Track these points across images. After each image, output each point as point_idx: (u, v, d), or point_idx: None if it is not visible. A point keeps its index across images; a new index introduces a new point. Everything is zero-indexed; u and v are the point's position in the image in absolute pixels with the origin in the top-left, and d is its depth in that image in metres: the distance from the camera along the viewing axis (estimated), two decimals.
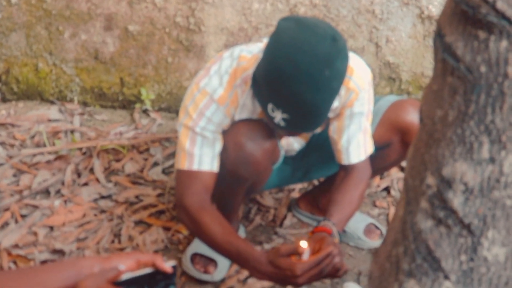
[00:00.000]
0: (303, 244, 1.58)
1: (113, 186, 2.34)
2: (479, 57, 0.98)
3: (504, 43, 0.96)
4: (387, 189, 2.44)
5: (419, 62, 2.77)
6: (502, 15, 0.94)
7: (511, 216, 1.07)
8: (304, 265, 1.56)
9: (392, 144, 2.00)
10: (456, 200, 1.07)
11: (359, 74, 1.78)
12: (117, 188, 2.34)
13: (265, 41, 1.82)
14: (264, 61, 1.60)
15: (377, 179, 2.44)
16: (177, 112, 2.82)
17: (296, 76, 1.53)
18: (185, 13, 2.64)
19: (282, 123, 1.62)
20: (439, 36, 1.04)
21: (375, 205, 2.38)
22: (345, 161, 1.88)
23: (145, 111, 2.80)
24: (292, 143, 1.98)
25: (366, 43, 2.71)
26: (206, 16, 2.64)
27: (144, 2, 2.62)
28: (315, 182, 2.40)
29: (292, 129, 1.65)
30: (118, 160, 2.48)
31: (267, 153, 1.78)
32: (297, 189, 2.41)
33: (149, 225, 2.19)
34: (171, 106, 2.82)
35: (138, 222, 2.19)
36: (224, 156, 1.77)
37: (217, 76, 1.73)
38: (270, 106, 1.61)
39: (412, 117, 1.93)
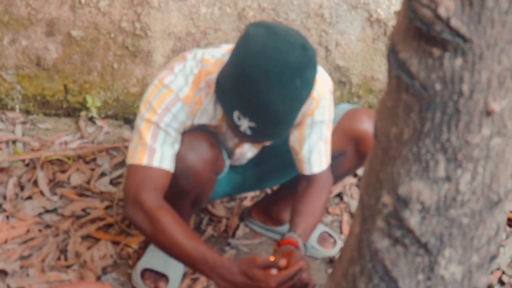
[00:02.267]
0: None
1: (58, 199, 2.26)
2: (434, 74, 0.96)
3: (458, 61, 0.94)
4: (340, 196, 2.43)
5: (369, 66, 2.77)
6: (456, 33, 0.92)
7: (468, 234, 1.06)
8: (279, 278, 1.52)
9: (346, 153, 1.99)
10: (413, 219, 1.06)
11: (320, 83, 1.76)
12: (62, 201, 2.25)
13: (224, 46, 1.77)
14: (232, 67, 1.55)
15: None
16: (124, 120, 2.75)
17: (267, 85, 1.49)
18: (131, 18, 2.57)
19: (249, 132, 1.57)
20: (393, 52, 1.02)
21: (328, 212, 2.36)
22: (307, 171, 1.86)
23: (91, 119, 2.72)
24: (246, 152, 1.94)
25: (315, 47, 2.69)
26: (152, 21, 2.58)
27: (87, 6, 2.54)
28: (268, 190, 2.38)
29: (258, 137, 1.60)
30: (63, 171, 2.40)
31: (208, 165, 1.73)
32: (249, 197, 2.37)
33: (97, 240, 2.12)
34: (118, 113, 2.74)
35: (86, 237, 2.12)
36: None
37: (182, 75, 1.68)
38: (236, 114, 1.56)
39: (366, 126, 1.92)
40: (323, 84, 1.78)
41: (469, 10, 0.92)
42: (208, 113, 1.72)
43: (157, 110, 1.66)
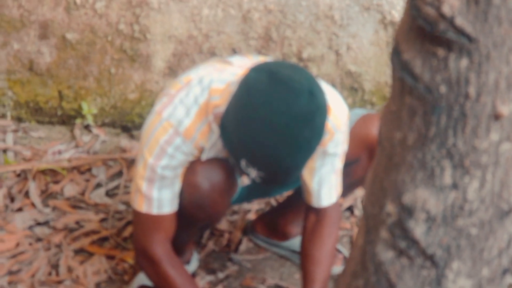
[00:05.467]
0: None
1: (50, 211, 2.29)
2: (439, 76, 0.98)
3: (464, 62, 0.96)
4: (350, 209, 2.45)
5: (383, 71, 2.79)
6: (461, 32, 0.94)
7: (477, 245, 1.07)
8: None
9: (359, 161, 2.01)
10: (418, 229, 1.07)
11: (336, 114, 1.76)
12: (55, 213, 2.28)
13: (236, 62, 1.78)
14: (235, 118, 1.57)
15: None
16: (122, 128, 2.78)
17: (274, 139, 1.52)
18: (129, 20, 2.61)
19: (258, 180, 1.62)
20: (396, 53, 1.04)
21: None
22: (315, 204, 1.88)
23: (86, 127, 2.75)
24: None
25: (325, 51, 2.71)
26: (152, 23, 2.61)
27: (83, 8, 2.58)
28: (273, 202, 2.39)
29: (268, 185, 1.66)
30: (56, 182, 2.43)
31: (225, 192, 1.77)
32: (254, 210, 2.39)
33: (90, 254, 2.14)
34: (115, 121, 2.78)
35: (79, 251, 2.15)
36: (180, 196, 1.76)
37: (183, 106, 1.69)
38: (243, 162, 1.60)
39: None
40: (338, 115, 1.77)
41: (474, 8, 0.94)
42: (217, 147, 1.74)
43: (153, 150, 1.70)
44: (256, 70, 1.57)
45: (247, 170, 1.61)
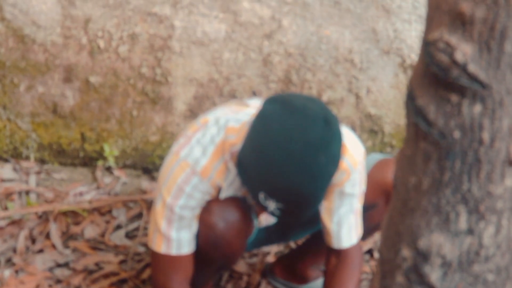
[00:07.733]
0: None
1: (71, 253, 2.31)
2: (452, 121, 0.99)
3: (477, 108, 0.97)
4: (370, 252, 2.43)
5: (402, 114, 2.80)
6: (474, 79, 0.96)
7: None
8: None
9: (376, 206, 2.01)
10: (434, 274, 1.07)
11: (352, 154, 1.77)
12: (75, 254, 2.30)
13: (252, 104, 1.81)
14: (252, 149, 1.59)
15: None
16: (143, 169, 2.81)
17: (290, 167, 1.53)
18: (151, 64, 2.66)
19: (277, 212, 1.62)
20: (410, 98, 1.05)
21: None
22: (335, 245, 1.88)
23: (108, 169, 2.78)
24: (270, 219, 1.98)
25: (345, 94, 2.73)
26: (174, 67, 2.66)
27: (106, 52, 2.64)
28: (292, 245, 2.39)
29: (287, 218, 1.65)
30: (77, 224, 2.45)
31: (240, 233, 1.78)
32: (273, 253, 2.39)
33: None
34: (136, 163, 2.81)
35: None
36: (196, 236, 1.78)
37: (200, 146, 1.72)
38: (262, 195, 1.61)
39: None
40: (354, 154, 1.79)
41: (487, 55, 0.95)
42: (235, 186, 1.76)
43: (171, 190, 1.72)
44: (270, 102, 1.59)
45: (266, 203, 1.61)
